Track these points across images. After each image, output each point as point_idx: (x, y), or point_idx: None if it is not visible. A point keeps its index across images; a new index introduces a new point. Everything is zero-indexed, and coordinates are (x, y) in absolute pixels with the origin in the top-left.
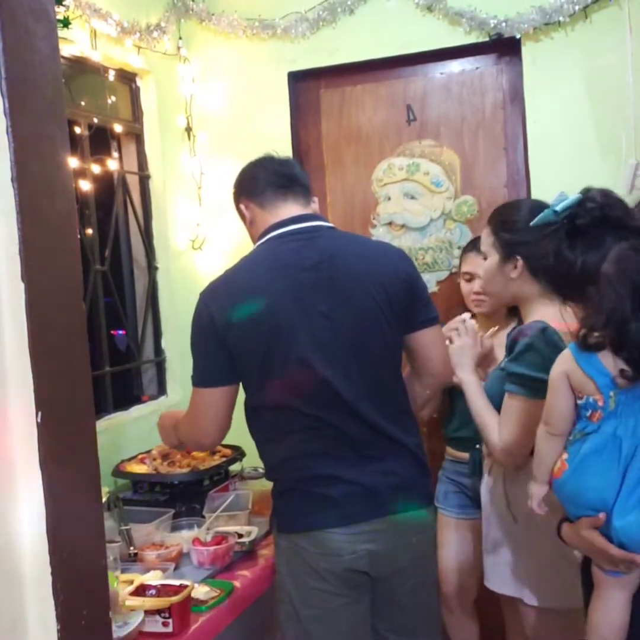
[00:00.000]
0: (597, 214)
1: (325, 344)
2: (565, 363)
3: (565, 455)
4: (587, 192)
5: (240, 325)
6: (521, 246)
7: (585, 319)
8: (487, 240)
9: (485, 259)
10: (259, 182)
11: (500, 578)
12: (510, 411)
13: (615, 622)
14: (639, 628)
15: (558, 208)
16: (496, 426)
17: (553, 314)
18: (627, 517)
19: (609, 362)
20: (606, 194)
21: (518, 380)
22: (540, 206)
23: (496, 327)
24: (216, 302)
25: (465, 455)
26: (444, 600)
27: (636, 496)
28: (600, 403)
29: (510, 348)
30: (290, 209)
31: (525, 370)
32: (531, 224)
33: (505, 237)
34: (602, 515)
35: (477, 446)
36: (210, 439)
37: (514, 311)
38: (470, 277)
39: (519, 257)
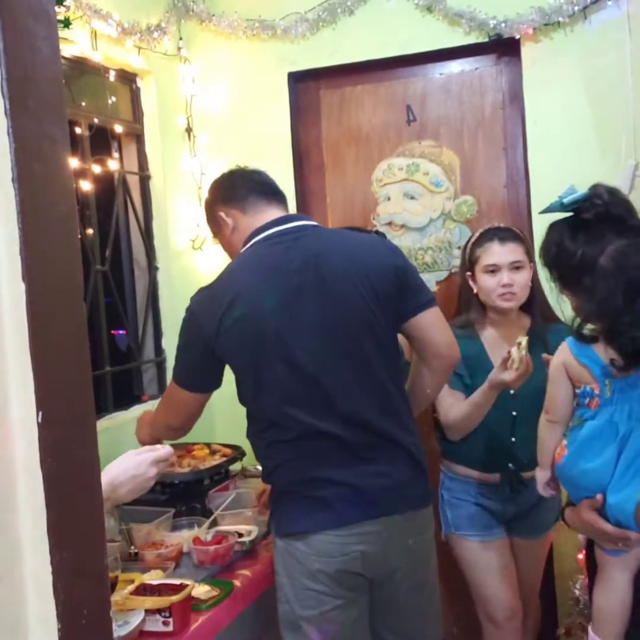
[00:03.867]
0: (601, 210)
1: (315, 347)
2: (563, 354)
3: (564, 441)
4: (595, 188)
5: (228, 334)
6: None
7: (579, 308)
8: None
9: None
10: (239, 189)
11: None
12: None
13: (619, 602)
14: None
15: (566, 200)
16: None
17: None
18: (619, 493)
19: (602, 352)
20: (613, 192)
21: None
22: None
23: (526, 337)
24: (204, 312)
25: (492, 477)
26: (497, 627)
27: (629, 474)
28: (596, 391)
29: None
30: (275, 211)
31: None
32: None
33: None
34: (599, 496)
35: (511, 466)
36: (177, 433)
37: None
38: (495, 269)
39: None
